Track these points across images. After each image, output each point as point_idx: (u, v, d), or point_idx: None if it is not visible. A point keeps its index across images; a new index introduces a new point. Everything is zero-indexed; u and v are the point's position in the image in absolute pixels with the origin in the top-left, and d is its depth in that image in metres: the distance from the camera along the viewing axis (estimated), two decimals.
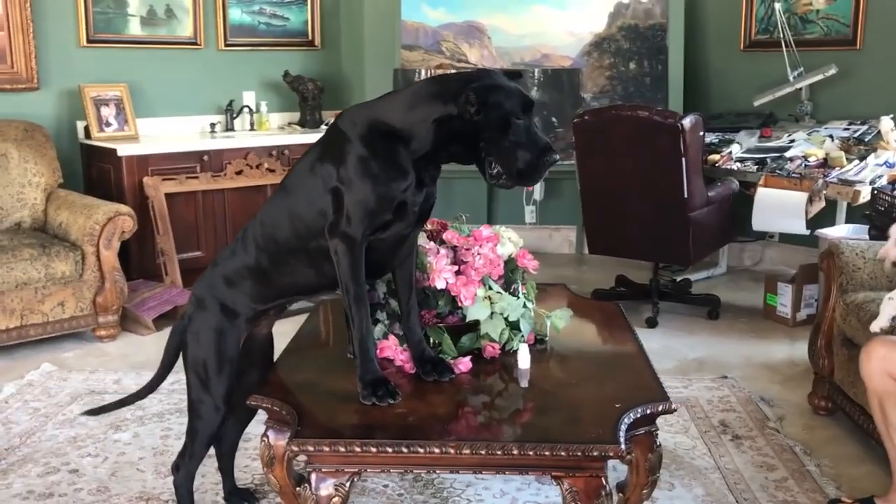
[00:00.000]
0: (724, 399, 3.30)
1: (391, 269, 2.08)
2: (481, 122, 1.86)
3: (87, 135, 4.69)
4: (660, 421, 2.99)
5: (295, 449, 1.74)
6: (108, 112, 4.72)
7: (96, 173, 4.68)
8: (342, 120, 2.01)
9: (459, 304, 2.17)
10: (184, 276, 4.37)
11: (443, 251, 2.20)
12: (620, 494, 2.08)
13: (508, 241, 2.31)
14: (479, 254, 2.20)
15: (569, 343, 2.32)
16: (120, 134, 4.70)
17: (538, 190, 5.65)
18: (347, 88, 5.87)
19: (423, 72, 5.33)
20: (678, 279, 4.74)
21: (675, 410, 1.96)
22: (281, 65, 5.47)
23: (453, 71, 5.14)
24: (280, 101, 5.58)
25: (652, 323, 4.22)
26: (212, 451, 2.41)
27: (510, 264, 2.30)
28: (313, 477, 1.79)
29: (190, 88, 5.16)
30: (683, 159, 3.89)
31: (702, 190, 4.07)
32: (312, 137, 5.20)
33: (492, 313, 2.19)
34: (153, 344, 3.90)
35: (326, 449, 1.74)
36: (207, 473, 2.57)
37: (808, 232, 4.14)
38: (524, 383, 2.08)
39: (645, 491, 2.04)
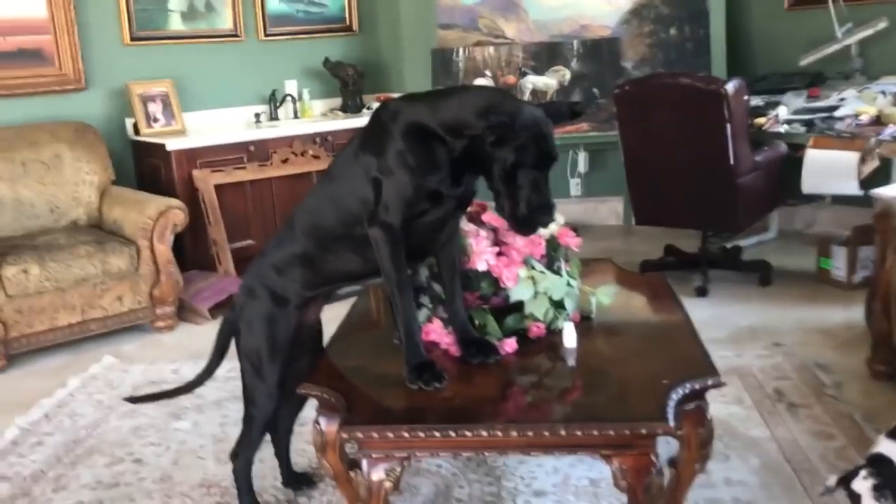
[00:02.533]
0: (777, 367, 3.26)
1: (433, 252, 2.10)
2: (495, 154, 1.86)
3: (136, 131, 4.79)
4: (712, 392, 3.02)
5: (344, 436, 1.77)
6: (155, 108, 4.81)
7: (147, 169, 4.78)
8: (385, 112, 2.02)
9: (502, 285, 2.18)
10: (236, 265, 4.46)
11: (483, 233, 2.20)
12: (673, 469, 2.08)
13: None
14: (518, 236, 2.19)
15: (615, 319, 2.32)
16: (168, 129, 4.79)
17: (582, 162, 5.61)
18: (387, 71, 5.88)
19: (460, 50, 5.31)
20: (728, 246, 4.68)
21: (723, 384, 1.94)
22: (321, 52, 5.50)
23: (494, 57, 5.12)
24: (322, 87, 5.61)
25: (702, 292, 4.17)
26: (268, 437, 2.48)
27: (552, 243, 2.30)
28: (364, 462, 1.83)
29: (233, 80, 5.23)
30: (728, 125, 3.82)
31: (748, 155, 3.99)
32: (354, 122, 5.26)
33: (535, 293, 2.19)
34: (209, 333, 3.93)
35: (375, 435, 1.78)
36: (266, 459, 2.63)
37: (861, 193, 4.03)
38: (571, 362, 2.09)
39: (697, 465, 2.03)
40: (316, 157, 4.92)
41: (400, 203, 1.93)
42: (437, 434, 1.75)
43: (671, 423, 1.72)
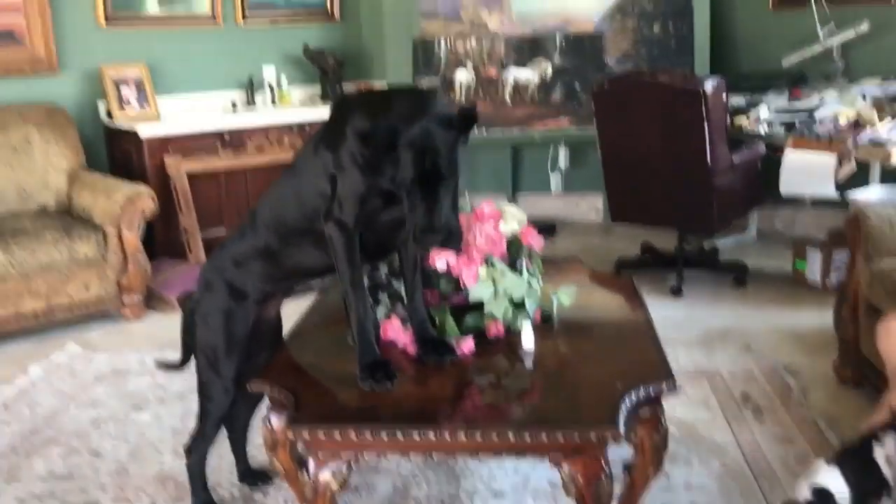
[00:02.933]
0: (746, 370, 3.24)
1: (393, 250, 2.07)
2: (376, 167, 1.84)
3: (109, 115, 4.72)
4: (679, 394, 3.00)
5: (290, 435, 1.74)
6: (129, 92, 4.74)
7: (119, 154, 4.72)
8: (342, 108, 1.98)
9: (462, 284, 2.15)
10: (207, 254, 4.39)
11: None
12: (627, 472, 2.05)
13: (512, 218, 2.26)
14: (480, 232, 2.16)
15: (577, 320, 2.28)
16: (141, 114, 4.73)
17: (563, 157, 5.57)
18: (368, 60, 5.83)
19: (442, 41, 5.25)
20: (705, 246, 4.66)
21: (678, 389, 1.91)
22: (300, 38, 5.44)
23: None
24: (301, 74, 5.55)
25: (677, 292, 4.15)
26: (225, 431, 2.44)
27: (514, 242, 2.26)
28: (311, 462, 1.79)
29: (210, 65, 5.16)
30: (706, 125, 3.79)
31: (726, 155, 3.96)
32: None
33: (495, 293, 2.16)
34: (177, 322, 3.92)
35: (322, 435, 1.74)
36: (224, 454, 2.59)
37: (837, 195, 4.02)
38: (527, 364, 2.06)
39: (651, 471, 2.00)
40: (293, 146, 4.86)
41: (353, 201, 1.89)
42: (385, 435, 1.72)
43: (621, 428, 1.68)
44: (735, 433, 2.75)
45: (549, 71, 5.18)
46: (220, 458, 2.61)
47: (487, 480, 2.50)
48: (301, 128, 4.97)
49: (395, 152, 1.75)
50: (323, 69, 5.45)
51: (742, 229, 5.09)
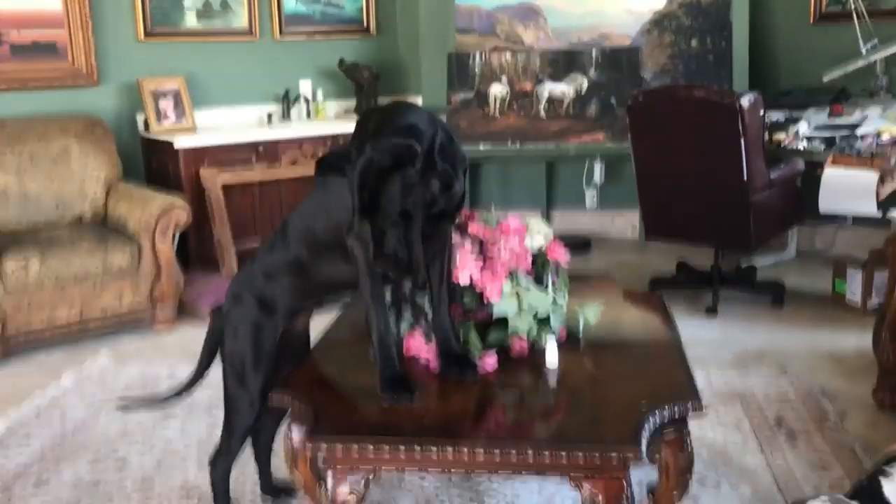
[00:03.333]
0: (782, 393, 3.16)
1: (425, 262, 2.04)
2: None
3: (147, 128, 4.78)
4: (711, 416, 2.94)
5: (309, 447, 1.72)
6: (166, 104, 4.80)
7: (156, 165, 4.78)
8: (362, 122, 1.97)
9: (485, 299, 2.12)
10: (240, 266, 4.43)
11: (467, 245, 2.14)
12: (651, 495, 2.00)
13: (538, 233, 2.23)
14: (505, 247, 2.13)
15: (604, 338, 2.24)
16: (178, 126, 4.78)
17: (598, 172, 5.52)
18: (403, 74, 5.84)
19: (477, 55, 5.25)
20: (743, 265, 4.57)
21: (703, 409, 1.86)
22: (336, 52, 5.47)
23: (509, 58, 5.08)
24: (336, 88, 5.58)
25: (712, 311, 4.07)
26: (250, 443, 2.44)
27: (540, 258, 2.23)
28: (329, 476, 1.77)
29: (246, 78, 5.21)
30: (742, 140, 3.72)
31: (763, 171, 3.89)
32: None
33: (520, 309, 2.13)
34: None
35: (339, 448, 1.72)
36: (249, 467, 2.59)
37: (879, 214, 3.92)
38: (550, 382, 2.02)
39: (675, 493, 1.95)
40: None
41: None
42: (403, 450, 1.70)
43: (643, 449, 1.64)
44: (767, 458, 2.68)
45: (585, 85, 5.14)
46: (244, 471, 2.60)
47: (511, 499, 2.46)
48: (335, 140, 4.99)
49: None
50: (358, 83, 5.48)
51: (781, 248, 4.98)
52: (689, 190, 4.00)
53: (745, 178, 3.78)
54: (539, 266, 2.23)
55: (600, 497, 1.68)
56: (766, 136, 4.47)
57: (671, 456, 1.90)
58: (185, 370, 3.49)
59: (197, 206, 4.44)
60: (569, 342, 2.20)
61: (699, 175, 3.94)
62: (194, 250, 4.59)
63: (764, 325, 3.92)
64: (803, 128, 4.39)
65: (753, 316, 4.05)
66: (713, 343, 3.72)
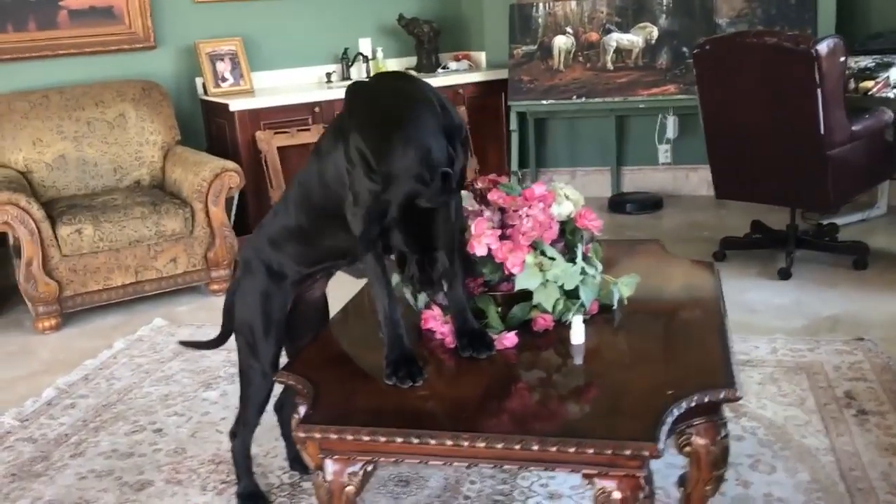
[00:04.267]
0: (855, 365, 2.90)
1: (431, 242, 1.92)
2: None
3: (206, 91, 4.76)
4: (772, 390, 2.73)
5: (301, 435, 1.63)
6: (224, 67, 4.76)
7: (215, 129, 4.76)
8: (353, 95, 1.83)
9: (506, 271, 1.97)
10: None
11: (486, 213, 1.99)
12: (682, 489, 1.84)
13: (566, 200, 2.06)
14: (527, 215, 1.97)
15: (640, 313, 2.06)
16: (236, 88, 4.74)
17: (671, 127, 5.23)
18: (464, 28, 5.65)
19: (540, 5, 5.00)
20: (824, 223, 4.25)
21: (739, 399, 1.67)
22: (396, 8, 5.32)
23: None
24: (397, 46, 5.44)
25: (785, 274, 3.80)
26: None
27: (568, 225, 2.06)
28: (326, 463, 1.68)
29: (304, 38, 5.12)
30: (819, 90, 3.41)
31: (843, 124, 3.56)
32: (431, 83, 5.06)
33: (545, 282, 1.97)
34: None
35: (333, 436, 1.62)
36: (278, 439, 2.54)
37: None
38: (574, 362, 1.87)
39: (708, 487, 1.78)
40: None
41: (366, 196, 1.75)
42: (399, 440, 1.58)
43: (661, 444, 1.48)
44: (832, 438, 2.46)
45: (655, 34, 4.84)
46: (276, 445, 2.55)
47: (545, 480, 2.33)
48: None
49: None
50: (418, 38, 5.31)
51: (870, 205, 4.62)
52: (762, 145, 3.71)
53: (822, 131, 3.48)
54: (569, 236, 2.07)
55: (615, 495, 1.53)
56: (853, 85, 4.13)
57: (702, 447, 1.73)
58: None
59: (254, 169, 4.41)
60: (601, 317, 2.04)
61: (772, 129, 3.65)
62: (252, 214, 4.56)
63: (842, 290, 3.63)
64: (894, 75, 4.02)
65: (831, 280, 3.76)
66: (784, 309, 3.47)
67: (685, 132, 5.26)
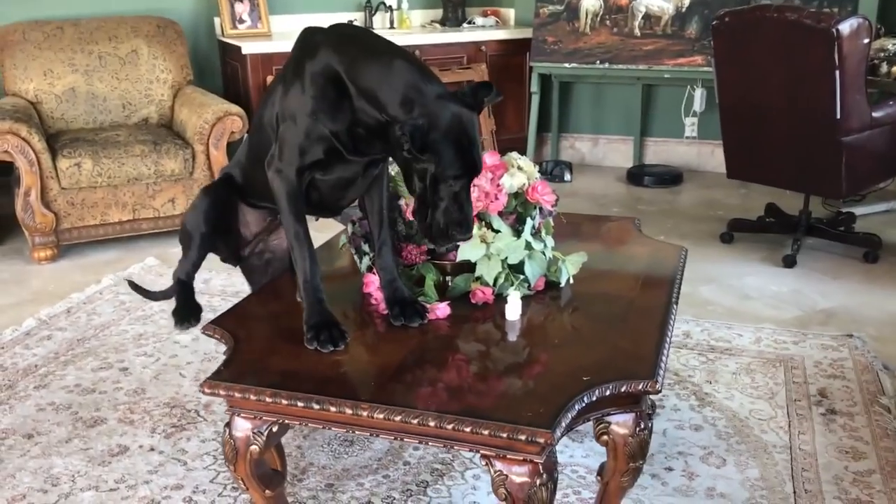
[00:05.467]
0: (837, 363, 2.80)
1: (345, 206, 1.91)
2: (410, 160, 1.60)
3: (223, 32, 4.72)
4: (744, 380, 2.65)
5: (207, 391, 1.61)
6: (242, 9, 4.71)
7: (230, 71, 4.73)
8: (307, 43, 1.76)
9: None
10: None
11: None
12: (599, 478, 1.79)
13: (519, 171, 1.99)
14: (473, 185, 1.90)
15: (586, 293, 1.99)
16: (252, 31, 4.70)
17: (698, 100, 5.06)
18: None
19: None
20: (843, 211, 4.09)
21: (658, 391, 1.60)
22: None
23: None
24: None
25: (789, 262, 3.67)
26: None
27: (519, 198, 1.99)
28: (234, 420, 1.66)
29: None
30: (837, 72, 3.25)
31: (863, 109, 3.39)
32: (451, 37, 4.97)
33: (488, 254, 1.91)
34: None
35: (237, 394, 1.60)
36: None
37: None
38: (504, 338, 1.82)
39: (625, 479, 1.73)
40: None
41: (293, 151, 1.71)
42: (300, 404, 1.55)
43: (558, 432, 1.43)
44: (792, 436, 2.38)
45: (686, 1, 4.65)
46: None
47: None
48: (412, 52, 4.76)
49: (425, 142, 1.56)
50: None
51: (894, 196, 4.43)
52: (776, 126, 3.57)
53: (839, 115, 3.32)
54: (519, 208, 2.00)
55: (512, 479, 1.49)
56: (886, 69, 3.93)
57: (620, 437, 1.67)
58: (221, 280, 3.52)
59: None
60: (547, 294, 1.98)
61: (787, 110, 3.49)
62: None
63: (845, 283, 3.49)
64: None
65: (837, 271, 3.62)
66: (779, 298, 3.35)
67: (713, 106, 5.04)
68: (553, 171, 5.17)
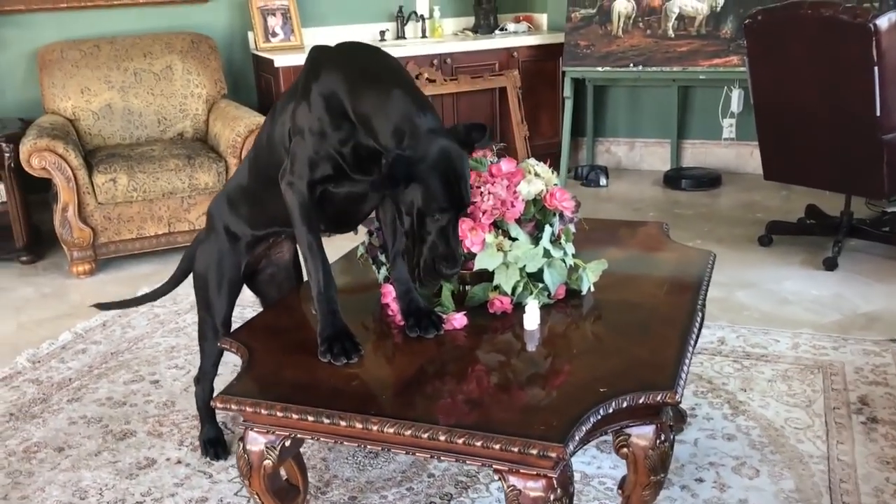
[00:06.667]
0: (879, 369, 2.70)
1: (360, 220, 1.91)
2: (396, 192, 1.61)
3: (257, 45, 4.77)
4: (780, 388, 2.57)
5: (219, 405, 1.61)
6: (275, 22, 4.75)
7: (264, 84, 4.77)
8: (314, 63, 1.77)
9: (465, 249, 1.89)
10: None
11: None
12: (620, 491, 1.74)
13: (536, 178, 1.95)
14: (489, 192, 1.88)
15: (611, 300, 1.95)
16: (285, 44, 4.73)
17: (736, 100, 4.96)
18: None
19: None
20: (888, 211, 3.97)
21: (677, 403, 1.56)
22: None
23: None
24: (455, 5, 5.32)
25: (830, 264, 3.56)
26: None
27: (537, 205, 1.96)
28: (248, 434, 1.66)
29: None
30: (876, 68, 3.15)
31: None
32: (483, 45, 4.95)
33: (506, 263, 1.89)
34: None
35: (249, 409, 1.59)
36: None
37: None
38: (520, 349, 1.79)
39: (646, 492, 1.68)
40: (431, 80, 4.67)
41: (303, 165, 1.73)
42: (311, 418, 1.54)
43: (571, 445, 1.39)
44: (830, 446, 2.29)
45: (721, 1, 4.57)
46: None
47: None
48: (443, 61, 4.77)
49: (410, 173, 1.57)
50: None
51: None
52: (813, 125, 3.47)
53: (878, 113, 3.22)
54: (536, 214, 1.96)
55: (525, 494, 1.45)
56: None
57: (640, 450, 1.62)
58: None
59: None
60: (568, 303, 1.94)
61: (825, 108, 3.40)
62: None
63: (890, 286, 3.38)
64: None
65: (881, 274, 3.51)
66: (819, 301, 3.26)
67: (751, 107, 4.94)
68: (588, 175, 5.11)
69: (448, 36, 5.24)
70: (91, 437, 2.50)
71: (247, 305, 3.28)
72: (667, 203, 4.73)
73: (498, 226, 1.92)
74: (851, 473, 2.17)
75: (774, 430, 2.38)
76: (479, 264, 1.89)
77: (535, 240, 1.93)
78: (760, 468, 2.21)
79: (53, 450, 2.44)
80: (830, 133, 3.43)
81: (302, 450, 2.33)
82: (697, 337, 2.29)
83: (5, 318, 3.44)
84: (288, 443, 1.65)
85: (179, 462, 2.36)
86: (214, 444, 2.34)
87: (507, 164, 1.94)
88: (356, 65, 1.74)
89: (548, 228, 1.94)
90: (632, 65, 4.74)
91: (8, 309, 3.54)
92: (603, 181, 5.09)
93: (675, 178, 5.02)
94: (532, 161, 2.00)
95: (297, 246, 1.83)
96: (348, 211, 1.86)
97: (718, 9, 4.58)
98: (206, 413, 2.35)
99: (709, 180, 4.97)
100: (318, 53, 1.79)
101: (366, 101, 1.65)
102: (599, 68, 4.82)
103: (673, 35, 4.68)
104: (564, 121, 5.05)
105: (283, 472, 1.98)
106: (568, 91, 4.95)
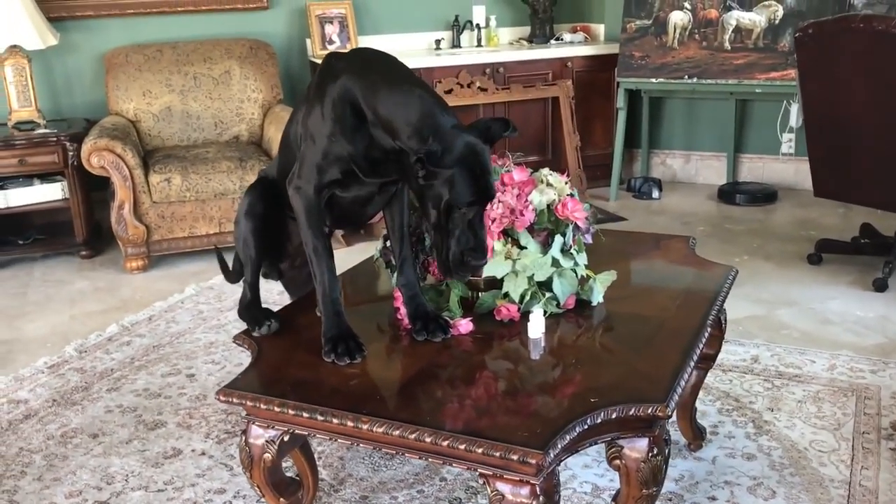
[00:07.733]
0: None
1: (366, 220, 1.94)
2: (423, 188, 1.64)
3: (314, 53, 4.88)
4: (810, 409, 2.52)
5: (222, 398, 1.67)
6: (332, 30, 4.85)
7: None
8: (330, 68, 1.82)
9: None
10: None
11: None
12: (614, 503, 1.73)
13: (548, 188, 1.96)
14: (499, 201, 1.90)
15: (621, 312, 1.95)
16: (342, 51, 4.82)
17: (795, 115, 4.85)
18: (581, 0, 5.46)
19: None
20: None
21: (668, 417, 1.55)
22: None
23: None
24: (511, 14, 5.34)
25: (880, 286, 3.46)
26: None
27: (549, 215, 1.97)
28: (251, 427, 1.71)
29: (415, 3, 5.13)
30: None
31: None
32: (537, 54, 4.96)
33: (515, 271, 1.90)
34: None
35: (250, 403, 1.65)
36: None
37: None
38: (521, 356, 1.80)
39: None
40: (483, 89, 4.71)
41: (311, 170, 1.77)
42: (305, 415, 1.59)
43: (552, 453, 1.40)
44: (854, 471, 2.23)
45: (780, 13, 4.48)
46: None
47: None
48: (495, 70, 4.79)
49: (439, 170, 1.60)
50: (533, 8, 5.20)
51: None
52: (864, 141, 3.38)
53: None
54: (549, 224, 1.97)
55: (508, 499, 1.47)
56: None
57: (632, 462, 1.61)
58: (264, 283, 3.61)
59: None
60: (576, 313, 1.95)
61: (877, 124, 3.31)
62: None
63: None
64: None
65: None
66: (863, 323, 3.16)
67: None
68: (641, 188, 5.06)
69: (503, 45, 5.26)
70: (124, 425, 2.61)
71: (273, 303, 3.37)
72: (719, 217, 4.65)
73: (508, 234, 1.93)
74: (872, 500, 2.11)
75: (797, 451, 2.33)
76: (488, 271, 1.90)
77: (547, 249, 1.94)
78: (777, 489, 2.17)
79: (88, 436, 2.55)
80: (881, 149, 3.33)
81: (320, 448, 2.41)
82: (717, 351, 2.27)
83: (60, 310, 3.61)
84: (286, 438, 1.70)
85: (203, 454, 2.44)
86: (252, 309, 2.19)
87: (519, 174, 1.96)
88: (372, 68, 1.77)
89: (558, 238, 1.95)
90: (686, 77, 4.68)
91: (63, 301, 3.71)
92: (655, 194, 5.03)
93: (729, 193, 4.94)
94: (545, 171, 2.01)
95: (304, 248, 1.87)
96: (354, 213, 1.90)
97: (777, 21, 4.49)
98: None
99: (764, 196, 4.87)
100: (333, 59, 1.83)
101: (386, 102, 1.68)
102: (654, 80, 4.77)
103: (729, 47, 4.60)
104: (617, 132, 5.02)
105: (294, 467, 2.04)
106: (621, 102, 4.92)
